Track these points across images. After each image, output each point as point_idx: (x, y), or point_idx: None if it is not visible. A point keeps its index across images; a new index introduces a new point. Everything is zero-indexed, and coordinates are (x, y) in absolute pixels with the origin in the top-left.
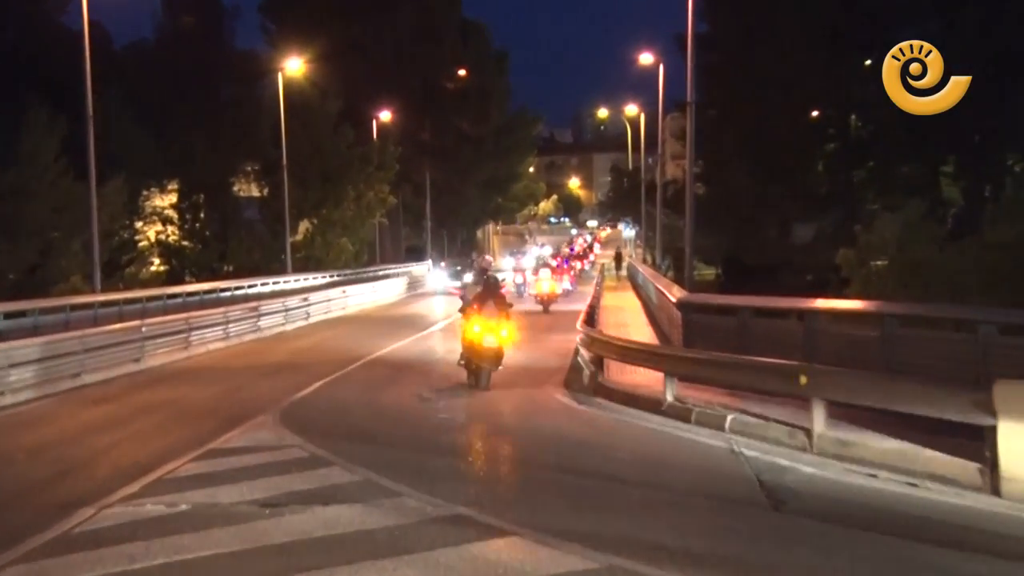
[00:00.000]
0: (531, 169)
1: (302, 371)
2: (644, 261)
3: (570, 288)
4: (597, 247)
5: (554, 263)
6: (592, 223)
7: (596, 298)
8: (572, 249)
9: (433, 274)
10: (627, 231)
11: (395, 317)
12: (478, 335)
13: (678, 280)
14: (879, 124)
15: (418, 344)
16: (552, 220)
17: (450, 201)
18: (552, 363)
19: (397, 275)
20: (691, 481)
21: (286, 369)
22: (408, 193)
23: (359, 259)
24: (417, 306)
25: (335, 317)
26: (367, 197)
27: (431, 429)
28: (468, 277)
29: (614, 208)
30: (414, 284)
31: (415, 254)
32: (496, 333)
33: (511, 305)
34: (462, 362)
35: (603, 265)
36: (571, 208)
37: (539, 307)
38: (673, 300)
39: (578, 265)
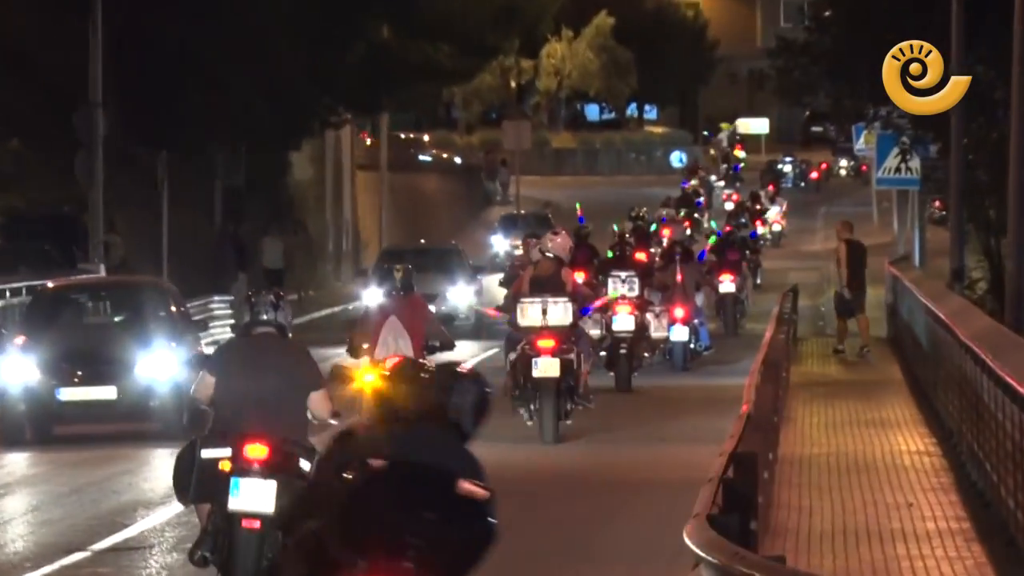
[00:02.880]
0: None
1: None
2: (964, 282)
3: (687, 340)
4: (776, 210)
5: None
6: (746, 128)
7: (761, 407)
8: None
9: None
10: (889, 166)
11: None
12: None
13: None
14: None
15: None
16: (593, 111)
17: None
18: None
19: None
20: None
21: None
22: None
23: None
24: None
25: None
26: None
27: None
28: None
29: (837, 66)
30: None
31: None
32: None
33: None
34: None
35: (792, 290)
36: (670, 67)
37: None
38: None
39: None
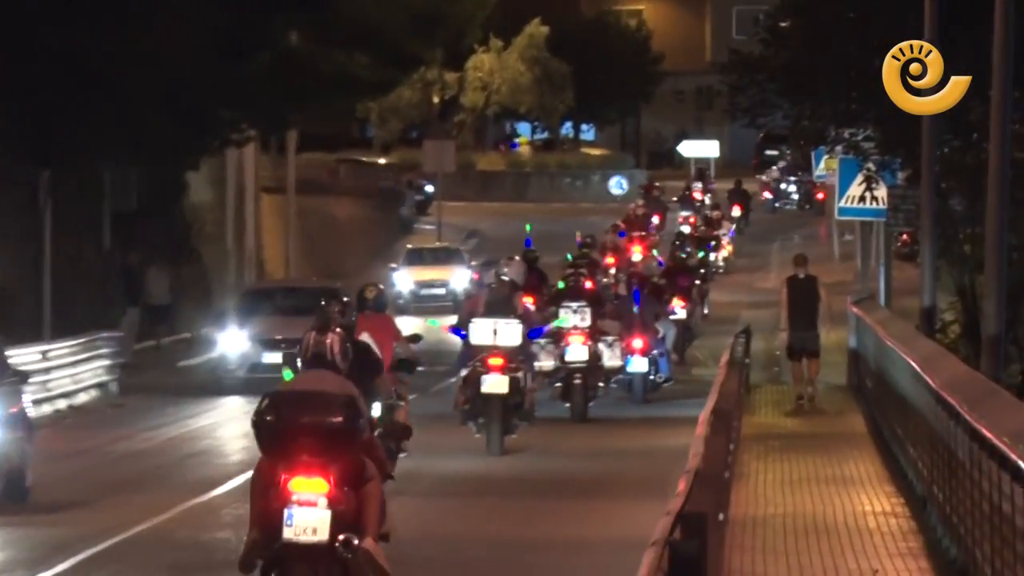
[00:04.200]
0: None
1: None
2: (936, 325)
3: (646, 371)
4: (724, 236)
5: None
6: (701, 151)
7: (711, 462)
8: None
9: None
10: (852, 194)
11: None
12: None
13: None
14: None
15: None
16: (524, 131)
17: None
18: None
19: None
20: None
21: None
22: None
23: None
24: None
25: None
26: None
27: None
28: None
29: (795, 83)
30: None
31: None
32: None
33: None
34: None
35: (745, 331)
36: (609, 82)
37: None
38: None
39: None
